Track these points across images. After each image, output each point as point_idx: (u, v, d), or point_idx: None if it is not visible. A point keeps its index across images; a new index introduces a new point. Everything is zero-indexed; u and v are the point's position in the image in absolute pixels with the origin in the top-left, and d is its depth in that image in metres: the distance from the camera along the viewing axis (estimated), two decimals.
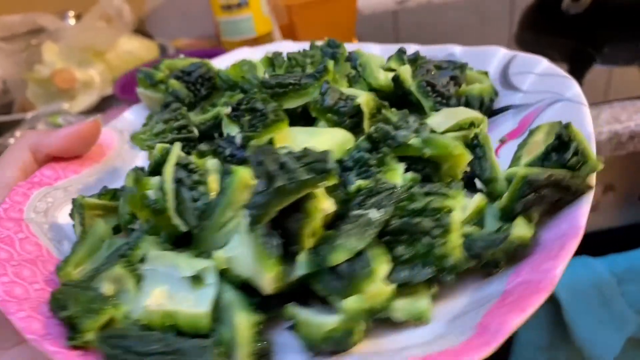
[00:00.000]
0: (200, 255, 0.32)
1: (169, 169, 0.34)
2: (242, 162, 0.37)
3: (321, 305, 0.30)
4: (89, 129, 0.41)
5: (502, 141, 0.42)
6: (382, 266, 0.28)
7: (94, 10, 0.98)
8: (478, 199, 0.32)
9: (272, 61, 0.49)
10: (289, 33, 0.84)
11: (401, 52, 0.48)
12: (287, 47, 0.59)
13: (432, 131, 0.37)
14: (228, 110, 0.41)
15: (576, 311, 0.80)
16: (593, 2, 0.98)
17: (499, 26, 1.09)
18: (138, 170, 0.36)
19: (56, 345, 0.28)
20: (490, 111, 0.45)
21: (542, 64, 0.45)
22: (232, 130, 0.40)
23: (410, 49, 0.52)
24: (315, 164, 0.28)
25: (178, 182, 0.34)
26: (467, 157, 0.34)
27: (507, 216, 0.33)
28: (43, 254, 0.37)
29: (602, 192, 0.79)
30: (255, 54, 0.58)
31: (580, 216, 0.30)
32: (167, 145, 0.37)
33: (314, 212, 0.29)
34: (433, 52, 0.53)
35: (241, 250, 0.30)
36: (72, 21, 1.11)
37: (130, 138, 0.40)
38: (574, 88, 0.39)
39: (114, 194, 0.40)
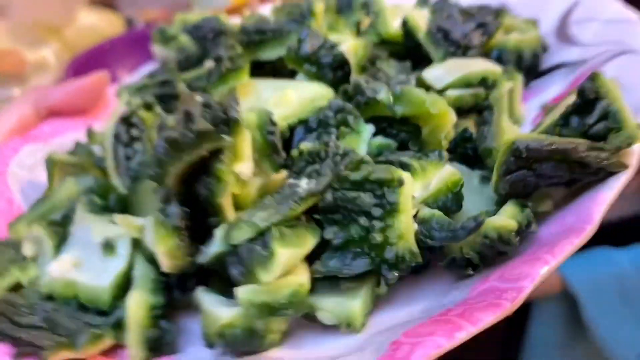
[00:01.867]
0: None
1: (110, 124, 0.31)
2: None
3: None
4: (94, 83, 0.39)
5: (545, 108, 0.32)
6: (283, 251, 0.21)
7: None
8: (448, 173, 0.24)
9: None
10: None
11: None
12: None
13: (426, 87, 0.29)
14: (210, 63, 0.36)
15: (596, 308, 0.75)
16: None
17: None
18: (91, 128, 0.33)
19: None
20: (536, 70, 0.35)
21: (612, 7, 0.34)
22: None
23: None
24: (217, 114, 0.22)
25: (115, 137, 0.30)
26: (451, 117, 0.26)
27: (500, 200, 0.24)
28: (12, 209, 0.36)
29: None
30: None
31: (594, 207, 0.21)
32: (133, 99, 0.34)
33: (225, 175, 0.23)
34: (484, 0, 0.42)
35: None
36: None
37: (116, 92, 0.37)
38: None
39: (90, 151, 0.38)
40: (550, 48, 0.36)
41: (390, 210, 0.22)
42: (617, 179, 0.22)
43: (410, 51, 0.35)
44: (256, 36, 0.34)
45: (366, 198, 0.22)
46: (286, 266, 0.22)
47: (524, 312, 0.84)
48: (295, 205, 0.23)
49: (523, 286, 0.18)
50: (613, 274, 0.74)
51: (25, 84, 0.85)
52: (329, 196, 0.23)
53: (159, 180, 0.24)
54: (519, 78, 0.32)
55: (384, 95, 0.26)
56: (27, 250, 0.29)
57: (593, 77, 0.23)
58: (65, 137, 0.42)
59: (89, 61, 0.73)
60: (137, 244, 0.27)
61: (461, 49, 0.33)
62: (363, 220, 0.22)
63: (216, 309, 0.23)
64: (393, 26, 0.36)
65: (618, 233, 0.78)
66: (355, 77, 0.29)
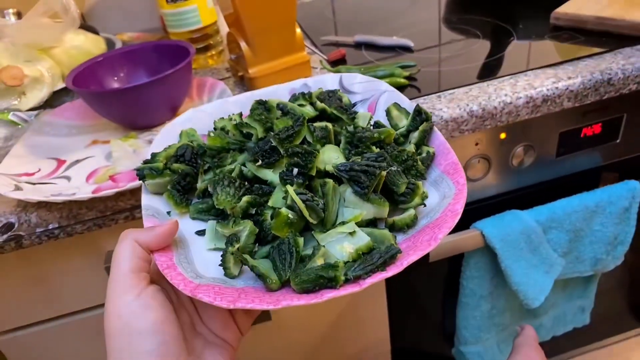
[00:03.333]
0: (329, 229, 0.49)
1: (294, 195, 0.47)
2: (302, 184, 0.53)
3: None
4: (173, 228, 0.46)
5: (371, 119, 0.62)
6: None
7: (37, 7, 0.95)
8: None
9: (237, 126, 0.62)
10: (234, 21, 0.85)
11: (302, 93, 0.67)
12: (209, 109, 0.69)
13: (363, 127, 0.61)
14: (259, 162, 0.54)
15: (510, 258, 0.89)
16: None
17: (429, 9, 1.20)
18: (275, 210, 0.49)
19: None
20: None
21: (358, 77, 0.69)
22: (264, 174, 0.55)
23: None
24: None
25: (306, 201, 0.49)
26: (393, 133, 0.57)
27: None
28: None
29: (524, 152, 0.89)
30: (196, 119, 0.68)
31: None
32: (249, 197, 0.53)
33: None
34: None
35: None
36: (12, 18, 1.09)
37: (216, 204, 0.51)
38: (385, 84, 0.65)
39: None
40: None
41: None
42: None
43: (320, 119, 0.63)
44: (290, 138, 0.56)
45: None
46: None
47: (456, 270, 0.97)
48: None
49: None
50: (522, 230, 0.87)
51: (24, 95, 0.94)
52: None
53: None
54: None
55: (376, 135, 0.57)
56: None
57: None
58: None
59: (85, 72, 0.83)
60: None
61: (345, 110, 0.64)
62: None
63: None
64: (309, 111, 0.62)
65: (523, 199, 0.94)
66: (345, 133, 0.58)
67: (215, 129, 0.65)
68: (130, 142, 0.79)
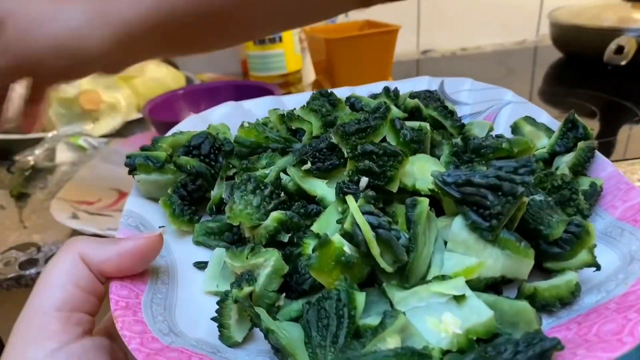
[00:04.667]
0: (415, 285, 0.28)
1: (357, 213, 0.28)
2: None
3: None
4: (150, 245, 0.31)
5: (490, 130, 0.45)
6: None
7: None
8: None
9: (283, 118, 0.42)
10: (325, 68, 0.85)
11: (387, 89, 0.49)
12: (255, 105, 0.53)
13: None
14: (308, 165, 0.36)
15: None
16: (635, 55, 0.92)
17: (522, 79, 1.08)
18: (324, 235, 0.28)
19: None
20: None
21: (468, 83, 0.52)
22: (313, 185, 0.35)
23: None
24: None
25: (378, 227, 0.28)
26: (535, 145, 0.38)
27: None
28: None
29: None
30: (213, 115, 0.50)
31: None
32: (282, 212, 0.32)
33: None
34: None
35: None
36: None
37: (229, 219, 0.33)
38: (509, 93, 0.48)
39: None
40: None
41: None
42: None
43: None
44: (361, 134, 0.35)
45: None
46: None
47: None
48: None
49: None
50: None
51: (98, 121, 0.93)
52: None
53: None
54: None
55: (505, 144, 0.36)
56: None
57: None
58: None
59: (163, 104, 0.79)
60: None
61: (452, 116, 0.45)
62: None
63: None
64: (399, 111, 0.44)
65: None
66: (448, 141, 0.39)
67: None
68: None
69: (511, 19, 1.37)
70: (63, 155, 0.85)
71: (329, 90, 0.46)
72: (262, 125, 0.42)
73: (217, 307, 0.29)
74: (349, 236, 0.28)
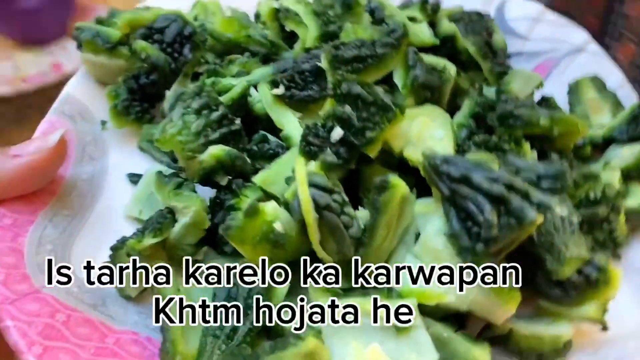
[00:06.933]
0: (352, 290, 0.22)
1: (305, 193, 0.21)
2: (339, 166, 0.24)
3: None
4: (49, 157, 0.25)
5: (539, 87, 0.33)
6: None
7: None
8: None
9: (276, 13, 0.33)
10: None
11: (423, 2, 0.36)
12: None
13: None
14: (280, 90, 0.28)
15: None
16: None
17: None
18: (254, 202, 0.23)
19: None
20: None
21: (535, 9, 0.39)
22: (282, 115, 0.28)
23: None
24: None
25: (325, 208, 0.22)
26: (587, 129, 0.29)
27: None
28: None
29: None
30: None
31: None
32: (224, 149, 0.25)
33: None
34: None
35: None
36: None
37: (158, 142, 0.26)
38: (583, 34, 0.37)
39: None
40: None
41: None
42: None
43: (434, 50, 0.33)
44: (358, 64, 0.27)
45: None
46: None
47: None
48: None
49: None
50: None
51: None
52: None
53: None
54: None
55: (544, 120, 0.26)
56: None
57: None
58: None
59: None
60: None
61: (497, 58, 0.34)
62: None
63: None
64: (425, 36, 0.32)
65: None
66: (475, 100, 0.28)
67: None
68: None
69: None
70: None
71: None
72: (249, 19, 0.33)
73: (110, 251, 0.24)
74: (286, 206, 0.21)
